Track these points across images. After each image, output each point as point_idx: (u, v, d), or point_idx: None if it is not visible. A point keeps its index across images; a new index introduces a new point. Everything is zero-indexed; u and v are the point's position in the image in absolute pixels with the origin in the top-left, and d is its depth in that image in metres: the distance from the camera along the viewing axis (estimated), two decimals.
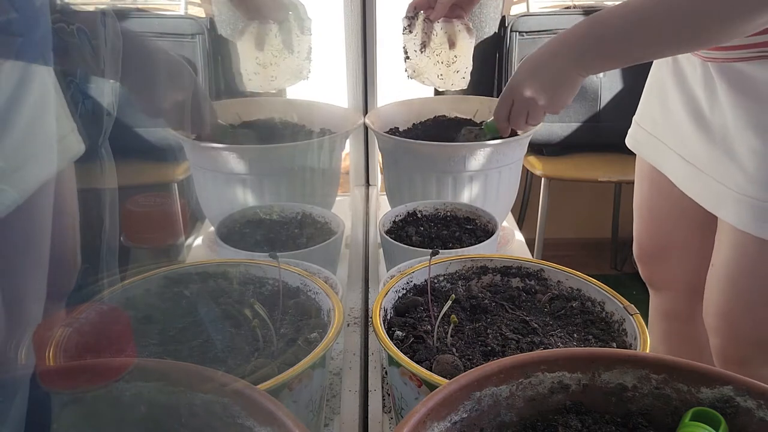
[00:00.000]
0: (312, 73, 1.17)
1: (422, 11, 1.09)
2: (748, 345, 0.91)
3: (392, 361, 0.61)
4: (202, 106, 0.93)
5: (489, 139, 1.06)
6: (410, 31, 1.10)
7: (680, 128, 0.96)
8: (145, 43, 0.86)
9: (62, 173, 0.87)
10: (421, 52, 1.12)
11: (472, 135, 1.10)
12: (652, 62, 1.06)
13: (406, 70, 1.14)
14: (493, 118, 1.04)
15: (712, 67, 0.87)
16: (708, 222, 0.97)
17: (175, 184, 1.41)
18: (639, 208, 1.13)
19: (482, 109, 1.25)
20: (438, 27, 1.10)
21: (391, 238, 0.92)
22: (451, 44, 1.12)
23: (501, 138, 1.04)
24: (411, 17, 1.09)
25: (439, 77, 1.14)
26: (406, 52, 1.13)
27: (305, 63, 1.16)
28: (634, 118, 1.10)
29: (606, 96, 2.16)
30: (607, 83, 2.15)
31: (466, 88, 1.15)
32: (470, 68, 1.14)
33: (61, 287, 0.79)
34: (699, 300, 1.08)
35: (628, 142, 1.11)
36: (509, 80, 0.97)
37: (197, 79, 0.94)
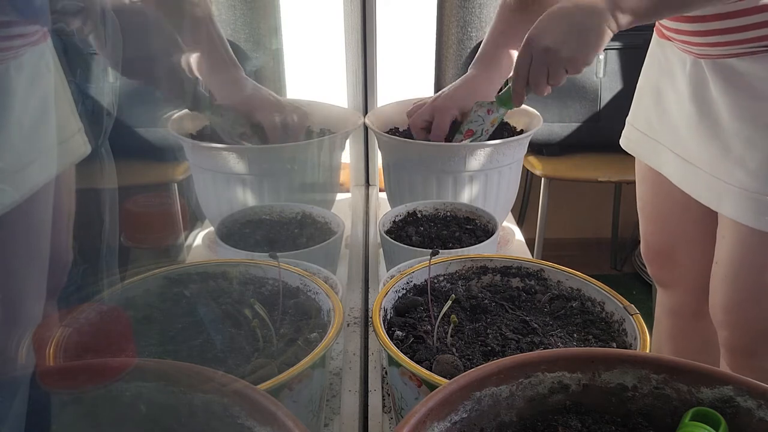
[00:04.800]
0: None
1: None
2: (756, 336, 0.93)
3: (392, 361, 0.61)
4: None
5: (503, 113, 1.05)
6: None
7: (676, 127, 0.96)
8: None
9: (63, 173, 0.87)
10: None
11: (483, 110, 1.06)
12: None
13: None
14: (508, 86, 0.98)
15: (705, 64, 0.87)
16: (710, 219, 0.97)
17: (175, 184, 1.41)
18: (643, 208, 1.13)
19: None
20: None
21: (391, 238, 0.92)
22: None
23: (515, 107, 1.02)
24: None
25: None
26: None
27: None
28: (628, 119, 1.10)
29: (606, 96, 2.15)
30: (607, 83, 2.15)
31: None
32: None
33: (52, 285, 0.79)
34: (707, 296, 1.09)
35: (623, 143, 1.10)
36: (527, 34, 0.86)
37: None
